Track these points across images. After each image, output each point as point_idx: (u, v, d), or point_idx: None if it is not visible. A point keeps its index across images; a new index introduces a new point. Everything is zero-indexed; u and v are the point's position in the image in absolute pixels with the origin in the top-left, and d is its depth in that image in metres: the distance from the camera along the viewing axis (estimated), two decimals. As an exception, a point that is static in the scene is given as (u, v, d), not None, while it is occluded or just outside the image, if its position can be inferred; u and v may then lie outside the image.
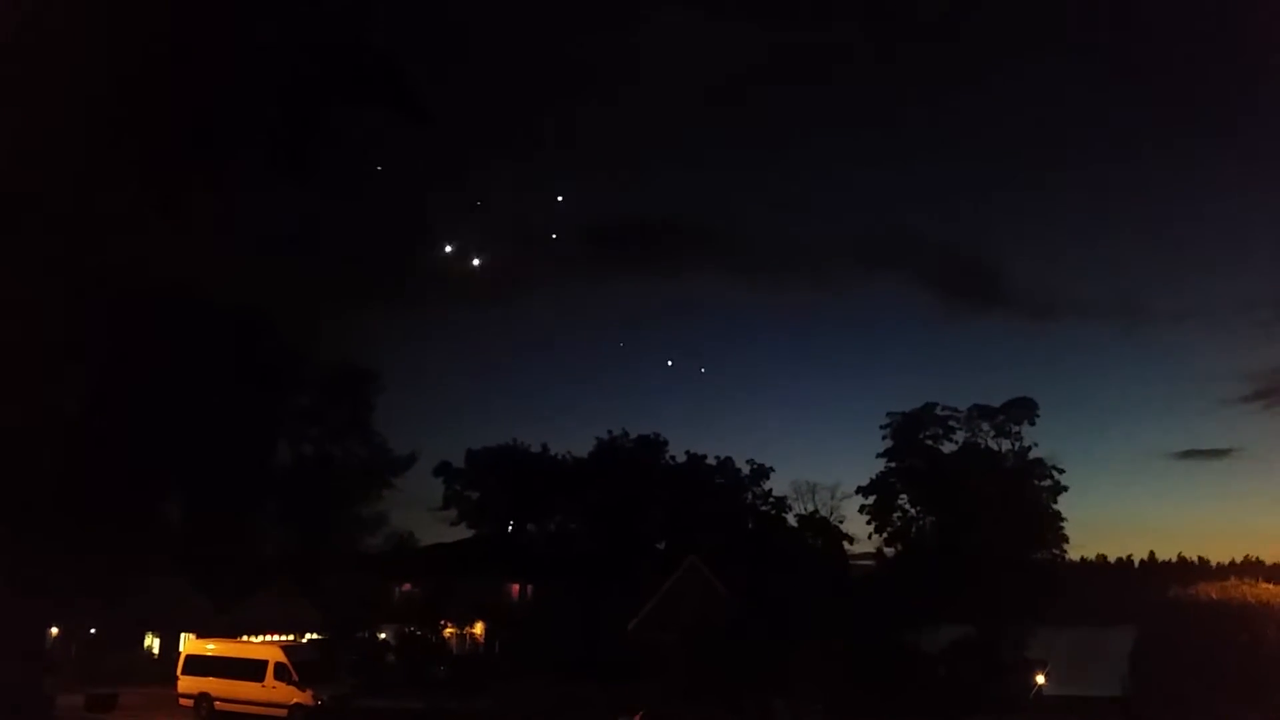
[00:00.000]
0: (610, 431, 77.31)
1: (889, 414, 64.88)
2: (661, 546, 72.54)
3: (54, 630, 53.76)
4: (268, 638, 52.73)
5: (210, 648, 45.34)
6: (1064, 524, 62.26)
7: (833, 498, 71.33)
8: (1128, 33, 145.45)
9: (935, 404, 64.55)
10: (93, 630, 56.47)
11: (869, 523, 64.97)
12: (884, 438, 64.50)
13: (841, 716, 43.87)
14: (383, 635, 62.83)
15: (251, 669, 43.35)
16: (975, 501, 59.30)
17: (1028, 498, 61.25)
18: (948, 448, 63.96)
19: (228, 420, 58.44)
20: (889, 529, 64.26)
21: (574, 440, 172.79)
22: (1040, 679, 51.94)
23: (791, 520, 73.57)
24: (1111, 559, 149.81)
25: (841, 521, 70.91)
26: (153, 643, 58.40)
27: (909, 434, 64.03)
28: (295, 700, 42.24)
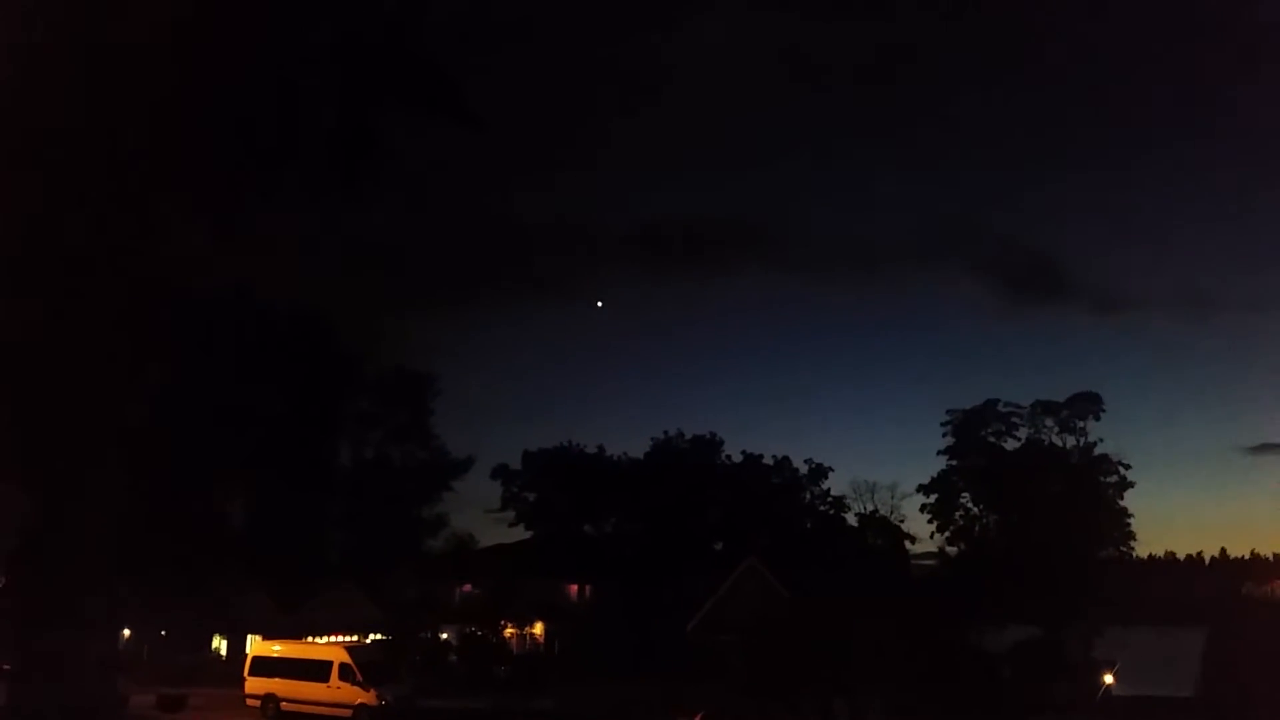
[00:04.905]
0: (666, 432, 77.31)
1: (949, 411, 64.05)
2: (719, 547, 72.28)
3: (126, 632, 55.03)
4: (332, 639, 53.41)
5: (276, 649, 45.95)
6: (1131, 520, 61.12)
7: (893, 497, 70.60)
8: (1196, 21, 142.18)
9: (997, 400, 63.63)
10: (163, 632, 57.66)
11: (930, 522, 64.19)
12: (944, 435, 63.70)
13: (903, 718, 43.35)
14: (444, 636, 63.38)
15: (317, 670, 43.85)
16: (1039, 499, 58.33)
17: (1093, 494, 60.08)
18: (1010, 445, 62.97)
19: (290, 424, 59.59)
20: (951, 528, 63.39)
21: (630, 441, 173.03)
22: (1109, 679, 50.92)
23: (851, 520, 72.97)
24: (1181, 556, 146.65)
25: (902, 521, 70.16)
26: (220, 644, 59.46)
27: (970, 431, 63.12)
28: (360, 700, 42.67)
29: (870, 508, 71.39)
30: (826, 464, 76.41)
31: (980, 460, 62.75)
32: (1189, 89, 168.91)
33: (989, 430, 63.14)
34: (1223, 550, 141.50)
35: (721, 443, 77.33)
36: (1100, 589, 56.99)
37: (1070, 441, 61.98)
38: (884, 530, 70.25)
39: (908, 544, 69.98)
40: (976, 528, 63.06)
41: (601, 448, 78.00)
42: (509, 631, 64.12)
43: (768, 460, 76.61)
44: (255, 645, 48.71)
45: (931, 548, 65.73)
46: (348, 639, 54.83)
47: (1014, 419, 62.96)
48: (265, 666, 45.05)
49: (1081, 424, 61.76)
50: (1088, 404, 61.97)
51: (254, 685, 44.69)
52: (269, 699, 44.01)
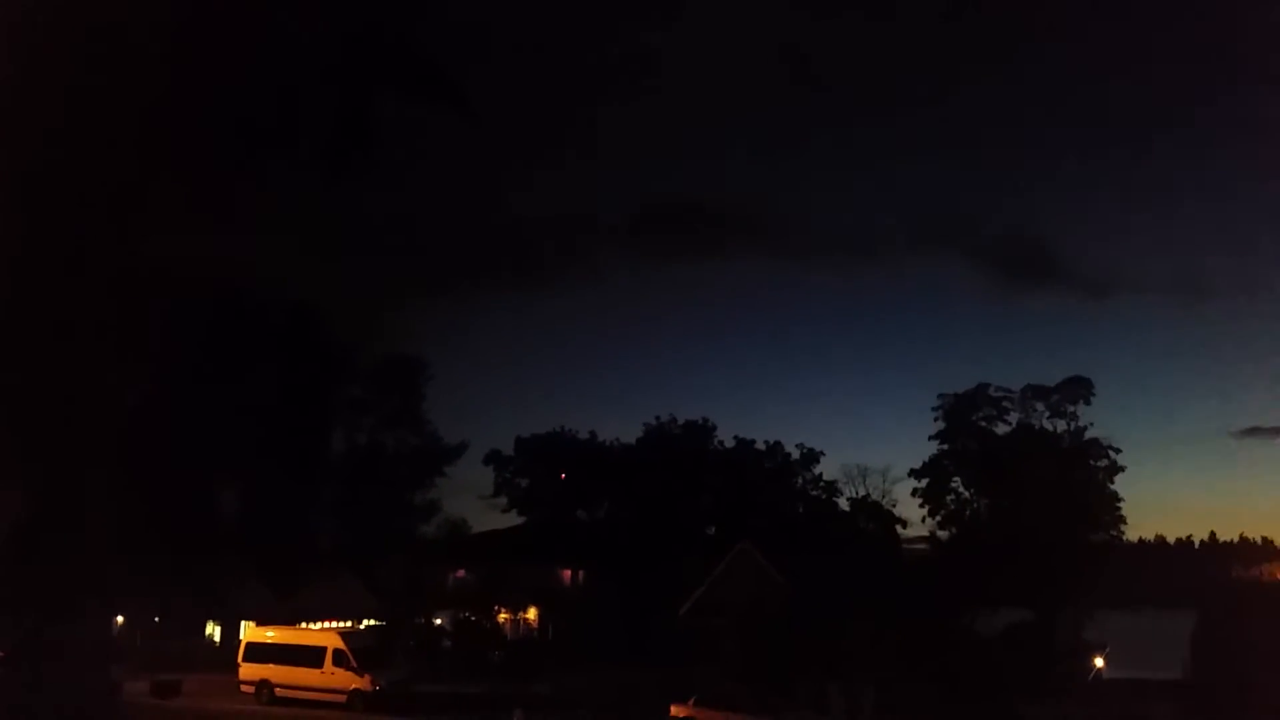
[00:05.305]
0: (658, 417, 77.17)
1: (940, 395, 64.22)
2: (711, 532, 72.40)
3: (119, 619, 55.07)
4: (326, 625, 53.52)
5: (270, 635, 46.04)
6: (1121, 504, 61.48)
7: (884, 481, 70.53)
8: (1192, 9, 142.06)
9: (988, 385, 63.84)
10: (156, 619, 57.69)
11: (921, 506, 64.48)
12: (936, 419, 63.90)
13: (896, 701, 43.63)
14: (438, 621, 63.55)
15: (311, 656, 43.95)
16: (1030, 483, 58.57)
17: (1084, 478, 60.39)
18: (1001, 429, 63.24)
19: (283, 411, 59.59)
20: (942, 512, 63.65)
21: (622, 426, 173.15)
22: (1099, 662, 51.37)
23: (843, 504, 73.10)
24: (1171, 539, 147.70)
25: (894, 505, 70.15)
26: (214, 631, 59.50)
27: (961, 415, 63.33)
28: (354, 686, 42.79)
29: (862, 492, 71.50)
30: (818, 449, 76.30)
31: (971, 444, 63.00)
32: (1184, 76, 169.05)
33: (980, 414, 63.36)
34: (1212, 534, 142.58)
35: (714, 428, 77.38)
36: (1091, 573, 57.29)
37: (1061, 426, 62.30)
38: (876, 514, 70.37)
39: (899, 528, 70.17)
40: (967, 512, 63.36)
41: (594, 433, 78.12)
42: (503, 617, 64.32)
43: (760, 445, 76.64)
44: (249, 631, 48.73)
45: (923, 532, 66.07)
46: (342, 625, 54.95)
47: (1005, 403, 63.23)
48: (259, 652, 45.14)
49: (1072, 408, 62.04)
50: (1078, 388, 62.20)
51: (248, 671, 44.79)
52: (263, 685, 44.10)
